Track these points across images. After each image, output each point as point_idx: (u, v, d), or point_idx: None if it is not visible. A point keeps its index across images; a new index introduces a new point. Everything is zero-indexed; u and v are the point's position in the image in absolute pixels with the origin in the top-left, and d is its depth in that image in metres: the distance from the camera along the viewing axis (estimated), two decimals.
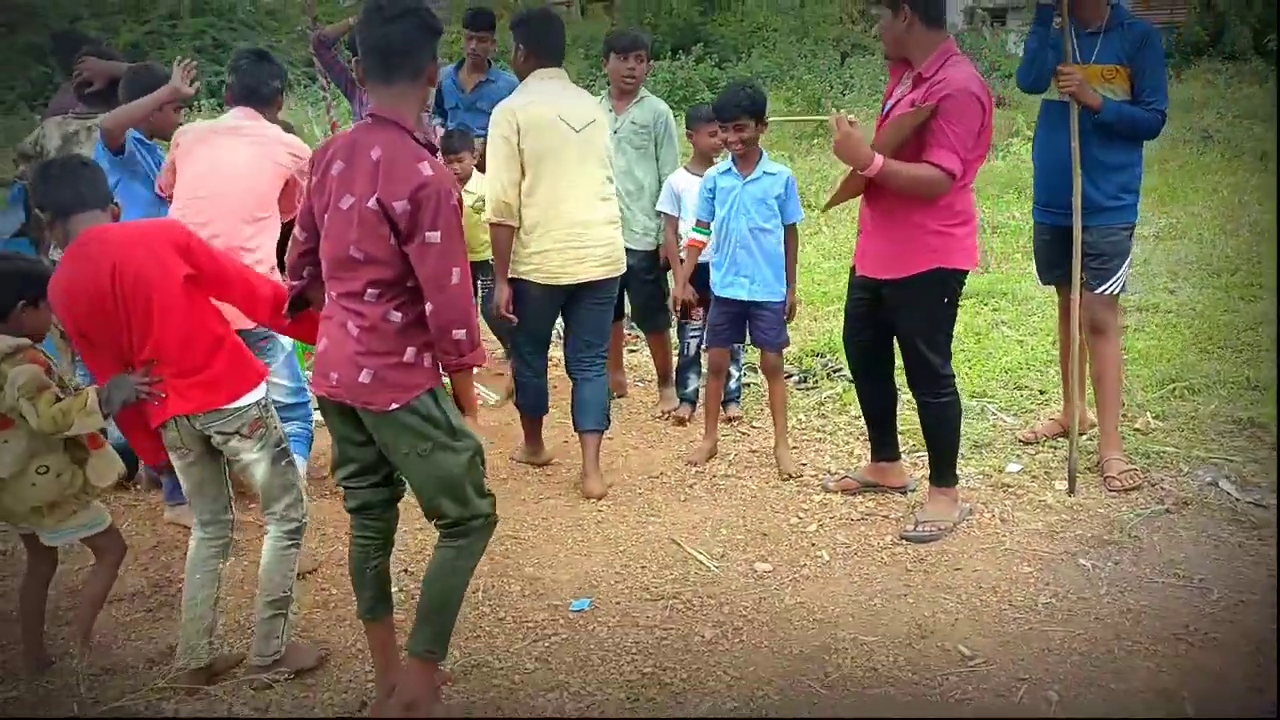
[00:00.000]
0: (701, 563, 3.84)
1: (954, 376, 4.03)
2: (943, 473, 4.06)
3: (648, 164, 5.16)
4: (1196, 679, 3.03)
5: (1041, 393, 5.31)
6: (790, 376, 5.71)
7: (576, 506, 4.35)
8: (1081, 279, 4.27)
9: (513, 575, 3.81)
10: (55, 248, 3.67)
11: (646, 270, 5.18)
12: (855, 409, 4.83)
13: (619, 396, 5.57)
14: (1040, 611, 3.43)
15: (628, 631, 3.41)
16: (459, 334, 2.66)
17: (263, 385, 3.11)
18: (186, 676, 3.11)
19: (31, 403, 2.88)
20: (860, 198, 4.00)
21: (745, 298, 4.49)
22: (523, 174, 4.20)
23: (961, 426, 4.14)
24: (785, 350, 4.82)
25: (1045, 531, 3.97)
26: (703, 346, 5.00)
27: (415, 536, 4.01)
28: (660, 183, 5.12)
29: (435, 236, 2.59)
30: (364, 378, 2.67)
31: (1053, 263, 4.51)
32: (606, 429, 4.58)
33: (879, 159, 3.62)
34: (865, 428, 4.46)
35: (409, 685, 2.86)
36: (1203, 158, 11.61)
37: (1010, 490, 4.32)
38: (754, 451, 4.84)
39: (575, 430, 4.55)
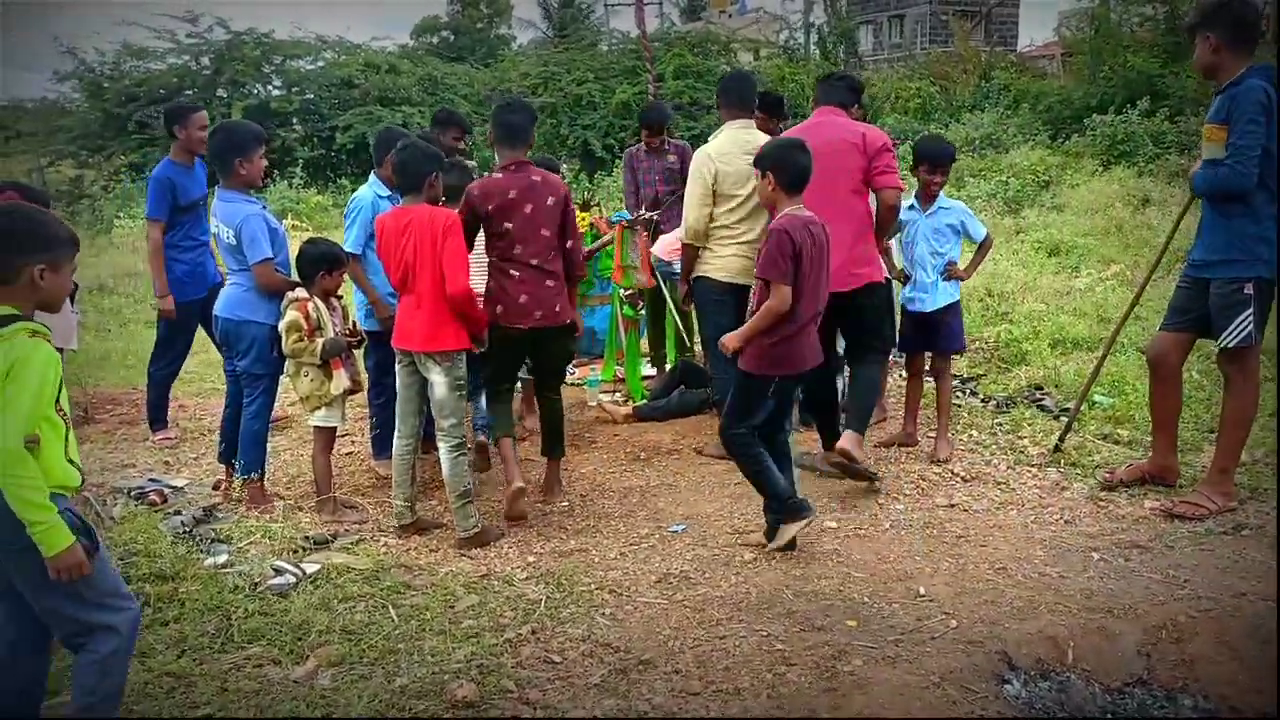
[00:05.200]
0: None
1: None
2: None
3: None
4: (1089, 636, 3.57)
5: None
6: (990, 401, 6.40)
7: (731, 470, 5.48)
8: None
9: (646, 508, 5.07)
10: None
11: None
12: (1026, 432, 5.68)
13: None
14: (1013, 577, 4.06)
15: (692, 548, 4.53)
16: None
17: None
18: (398, 530, 4.76)
19: (285, 335, 4.72)
20: None
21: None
22: (715, 203, 5.45)
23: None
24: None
25: (1094, 532, 4.49)
26: None
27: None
28: None
29: (570, 214, 4.90)
30: (558, 306, 4.88)
31: (1175, 308, 4.88)
32: None
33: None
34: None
35: (548, 477, 5.26)
36: None
37: (1100, 503, 4.82)
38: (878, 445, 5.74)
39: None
